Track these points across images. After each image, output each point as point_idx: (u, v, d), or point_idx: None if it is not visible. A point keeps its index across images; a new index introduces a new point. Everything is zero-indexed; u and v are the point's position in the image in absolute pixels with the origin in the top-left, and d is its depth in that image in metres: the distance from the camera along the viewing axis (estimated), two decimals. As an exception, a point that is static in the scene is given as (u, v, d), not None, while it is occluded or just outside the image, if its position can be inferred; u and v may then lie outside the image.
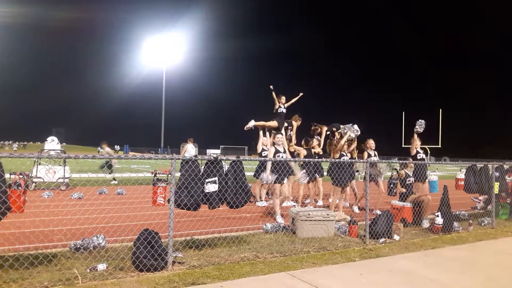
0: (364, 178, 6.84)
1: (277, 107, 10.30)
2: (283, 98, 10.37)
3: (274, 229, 6.53)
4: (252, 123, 9.49)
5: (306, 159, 8.47)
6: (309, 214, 6.30)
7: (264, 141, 10.16)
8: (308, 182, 9.63)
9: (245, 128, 9.46)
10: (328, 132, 10.35)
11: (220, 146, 73.61)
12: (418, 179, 8.35)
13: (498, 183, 8.54)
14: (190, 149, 15.07)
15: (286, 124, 10.00)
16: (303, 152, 9.75)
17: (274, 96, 10.31)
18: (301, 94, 10.85)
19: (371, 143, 9.49)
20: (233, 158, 5.54)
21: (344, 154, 9.05)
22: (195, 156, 5.39)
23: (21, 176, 5.28)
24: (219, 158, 5.37)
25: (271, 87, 10.35)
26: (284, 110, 10.30)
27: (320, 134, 10.47)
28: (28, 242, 5.36)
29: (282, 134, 8.09)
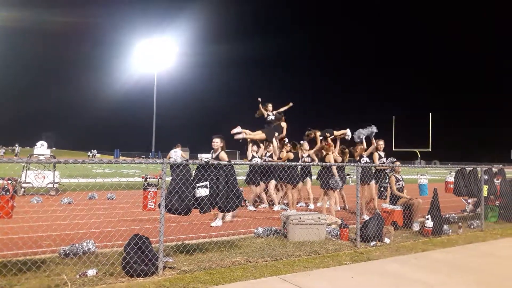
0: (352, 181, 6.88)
1: (265, 116, 10.31)
2: (270, 106, 10.38)
3: (265, 233, 6.53)
4: (241, 135, 9.48)
5: (293, 163, 8.49)
6: (300, 218, 6.30)
7: (254, 148, 10.19)
8: (294, 186, 9.60)
9: (233, 135, 9.45)
10: (321, 137, 10.40)
11: (211, 150, 73.41)
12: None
13: (487, 186, 8.64)
14: (172, 155, 14.79)
15: (276, 134, 9.99)
16: (289, 156, 9.75)
17: (260, 108, 10.32)
18: (290, 104, 10.88)
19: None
20: (225, 162, 5.54)
21: (364, 156, 9.31)
22: (186, 160, 5.36)
23: (10, 181, 5.22)
24: (210, 162, 5.36)
25: (259, 99, 10.37)
26: (273, 117, 10.33)
27: (313, 139, 10.50)
28: (17, 248, 5.30)
29: (221, 139, 7.66)
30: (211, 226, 7.43)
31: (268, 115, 10.32)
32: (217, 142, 7.28)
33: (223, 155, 7.21)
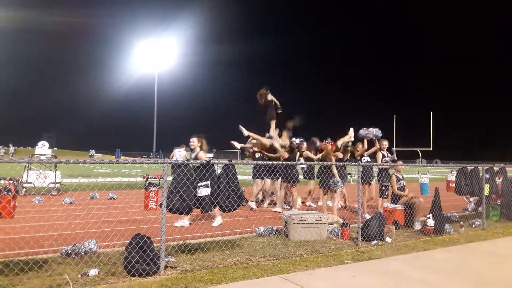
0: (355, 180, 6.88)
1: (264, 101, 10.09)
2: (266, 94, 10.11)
3: (267, 232, 6.53)
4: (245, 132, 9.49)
5: (294, 162, 8.48)
6: (301, 217, 6.31)
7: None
8: (292, 185, 9.52)
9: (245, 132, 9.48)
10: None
11: (213, 149, 73.59)
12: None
13: (488, 185, 8.63)
14: (176, 154, 14.82)
15: (277, 145, 9.92)
16: (284, 154, 9.68)
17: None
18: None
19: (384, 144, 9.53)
20: (226, 161, 5.54)
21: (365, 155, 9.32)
22: (187, 160, 5.37)
23: (11, 181, 5.22)
24: (211, 161, 5.36)
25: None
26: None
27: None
28: (18, 248, 5.31)
29: (198, 138, 7.33)
30: (212, 226, 7.42)
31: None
32: (194, 141, 7.23)
33: (202, 154, 7.16)
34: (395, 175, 8.31)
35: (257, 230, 6.62)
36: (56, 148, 62.75)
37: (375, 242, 6.21)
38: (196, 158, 7.08)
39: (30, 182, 11.73)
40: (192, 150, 7.32)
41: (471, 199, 10.40)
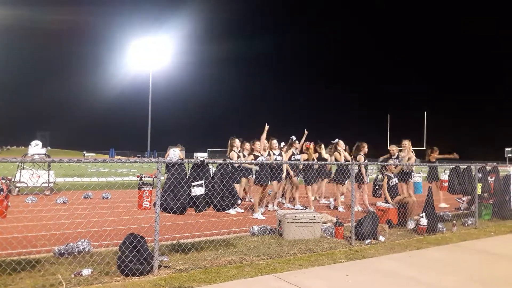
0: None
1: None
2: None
3: (261, 231, 6.54)
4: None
5: (281, 162, 8.49)
6: (295, 216, 6.32)
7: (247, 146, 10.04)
8: (266, 184, 9.36)
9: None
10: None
11: (208, 149, 73.54)
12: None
13: (481, 184, 8.70)
14: (171, 154, 14.72)
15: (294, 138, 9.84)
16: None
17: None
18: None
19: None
20: (220, 161, 5.54)
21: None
22: (181, 159, 5.36)
23: (4, 181, 5.19)
24: (205, 161, 5.36)
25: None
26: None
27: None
28: (11, 248, 5.27)
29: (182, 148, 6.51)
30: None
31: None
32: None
33: None
34: (386, 175, 8.35)
35: (251, 229, 6.63)
36: (49, 148, 62.34)
37: (368, 241, 6.24)
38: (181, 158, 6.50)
39: (23, 182, 11.65)
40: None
41: (464, 198, 10.48)
